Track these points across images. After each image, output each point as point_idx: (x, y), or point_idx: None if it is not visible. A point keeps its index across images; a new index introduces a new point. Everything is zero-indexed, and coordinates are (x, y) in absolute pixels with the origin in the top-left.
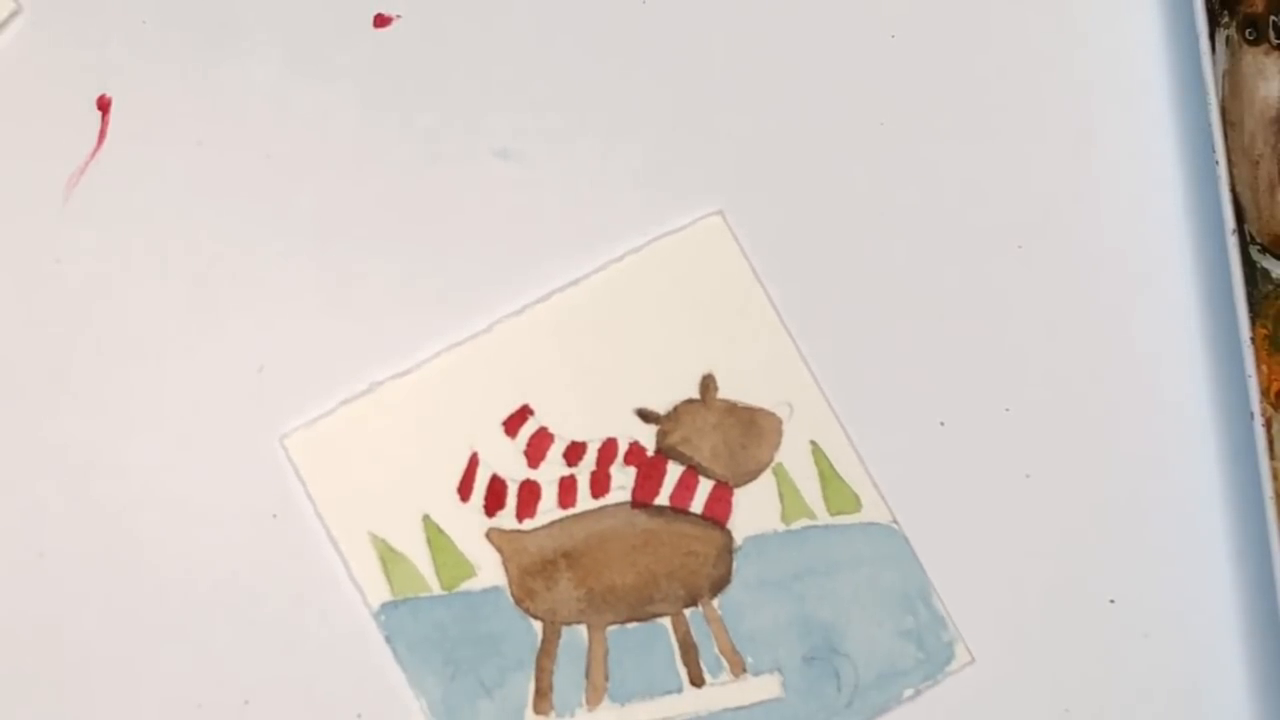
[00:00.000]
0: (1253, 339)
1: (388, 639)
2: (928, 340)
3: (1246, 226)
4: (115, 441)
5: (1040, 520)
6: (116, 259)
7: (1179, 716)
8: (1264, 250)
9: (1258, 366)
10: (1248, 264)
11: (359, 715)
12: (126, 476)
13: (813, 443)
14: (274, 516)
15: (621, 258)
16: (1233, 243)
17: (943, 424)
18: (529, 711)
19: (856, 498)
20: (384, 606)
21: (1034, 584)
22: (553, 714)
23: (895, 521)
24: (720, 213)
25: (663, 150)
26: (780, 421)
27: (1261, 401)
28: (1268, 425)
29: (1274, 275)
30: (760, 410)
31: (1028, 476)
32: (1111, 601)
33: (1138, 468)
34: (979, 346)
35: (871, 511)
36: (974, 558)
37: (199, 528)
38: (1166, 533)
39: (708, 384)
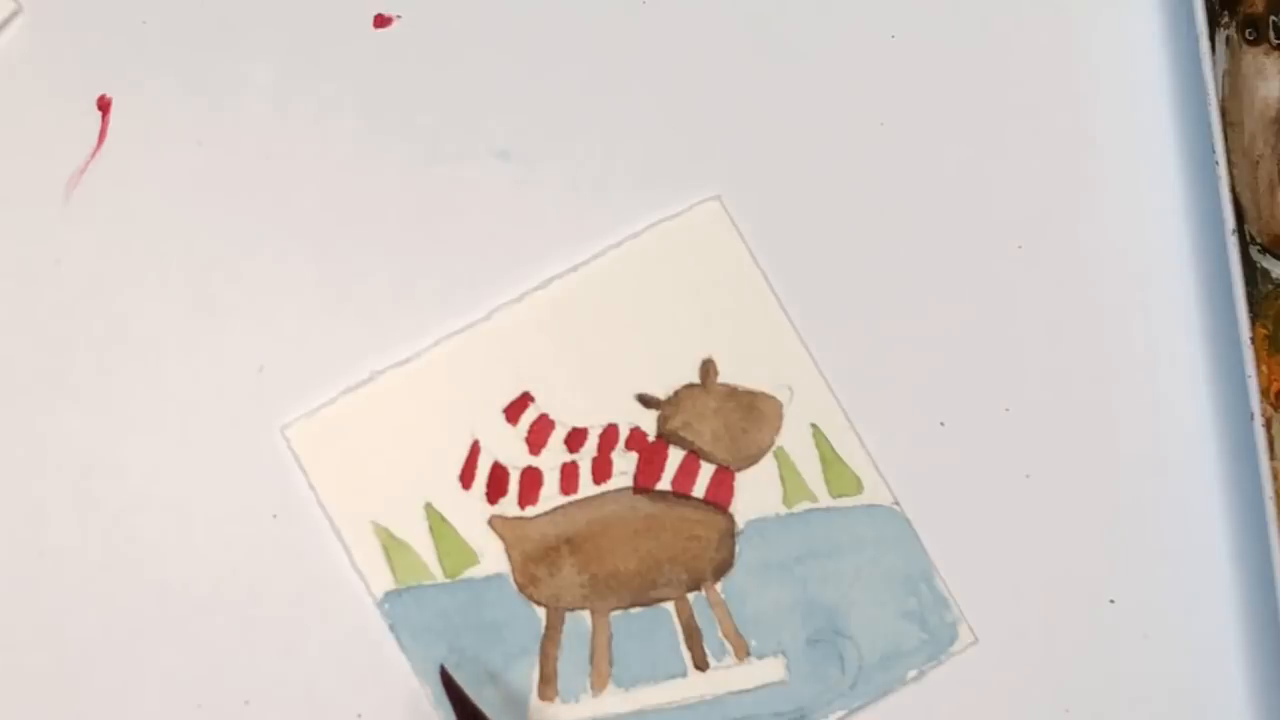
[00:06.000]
0: (1253, 339)
1: (391, 628)
2: (927, 341)
3: (1246, 226)
4: (115, 441)
5: (1040, 520)
6: (116, 259)
7: (1179, 716)
8: (1264, 250)
9: (1258, 366)
10: (1248, 264)
11: (359, 715)
12: (126, 476)
13: (813, 425)
14: (276, 509)
15: (620, 244)
16: (1233, 243)
17: (943, 424)
18: (534, 697)
19: (858, 480)
20: (387, 595)
21: (1033, 585)
22: (558, 700)
23: (897, 503)
24: (718, 198)
25: (661, 136)
26: (780, 405)
27: (1261, 401)
28: (1268, 425)
29: (1274, 275)
30: (760, 394)
31: (1028, 476)
32: (1111, 601)
33: (1138, 468)
34: (979, 346)
35: (873, 493)
36: (974, 556)
37: (199, 526)
38: (1166, 533)
39: (708, 368)
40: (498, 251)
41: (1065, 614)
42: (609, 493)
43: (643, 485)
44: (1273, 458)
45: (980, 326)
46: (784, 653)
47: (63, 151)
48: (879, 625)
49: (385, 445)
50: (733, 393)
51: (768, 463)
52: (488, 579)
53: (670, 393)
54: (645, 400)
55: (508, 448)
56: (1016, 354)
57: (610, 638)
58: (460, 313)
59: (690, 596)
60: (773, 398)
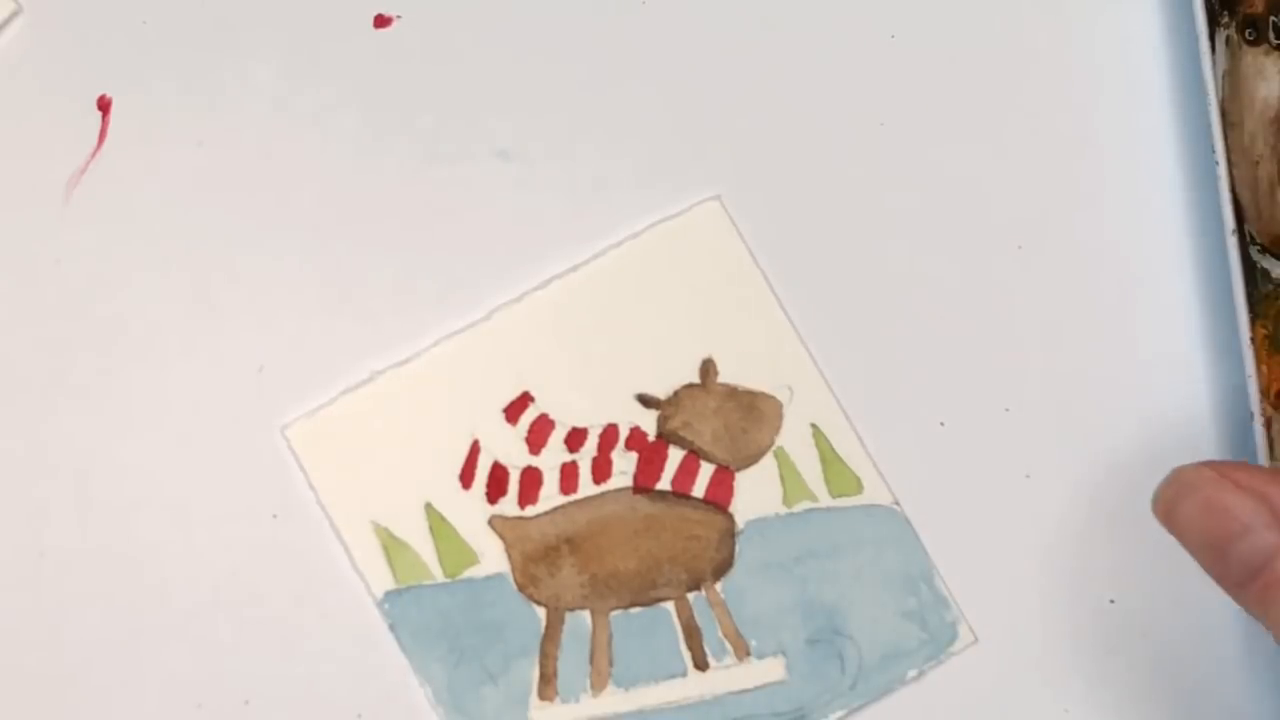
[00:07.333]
0: (1253, 339)
1: (392, 627)
2: (927, 341)
3: (1246, 226)
4: (115, 441)
5: (1040, 520)
6: (116, 259)
7: (1179, 716)
8: (1264, 250)
9: (1258, 366)
10: (1248, 264)
11: (359, 715)
12: (126, 476)
13: (813, 425)
14: (276, 509)
15: (620, 243)
16: (1233, 243)
17: (943, 424)
18: (534, 697)
19: (857, 479)
20: (388, 595)
21: (1033, 585)
22: (558, 700)
23: (897, 503)
24: (718, 198)
25: (661, 136)
26: (780, 405)
27: (1261, 401)
28: (1268, 425)
29: (1274, 275)
30: (760, 394)
31: (1028, 477)
32: (1111, 601)
33: (1138, 468)
34: (979, 346)
35: (873, 493)
36: (974, 556)
37: (199, 527)
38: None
39: (708, 368)
40: (498, 251)
41: (1065, 614)
42: (609, 493)
43: (643, 485)
44: (1273, 458)
45: (980, 326)
46: (784, 652)
47: (63, 151)
48: (879, 625)
49: (385, 445)
50: (733, 393)
51: (768, 463)
52: (488, 579)
53: (670, 393)
54: (645, 400)
55: (508, 448)
56: (1016, 354)
57: (610, 637)
58: (460, 313)
59: (690, 596)
60: (773, 398)
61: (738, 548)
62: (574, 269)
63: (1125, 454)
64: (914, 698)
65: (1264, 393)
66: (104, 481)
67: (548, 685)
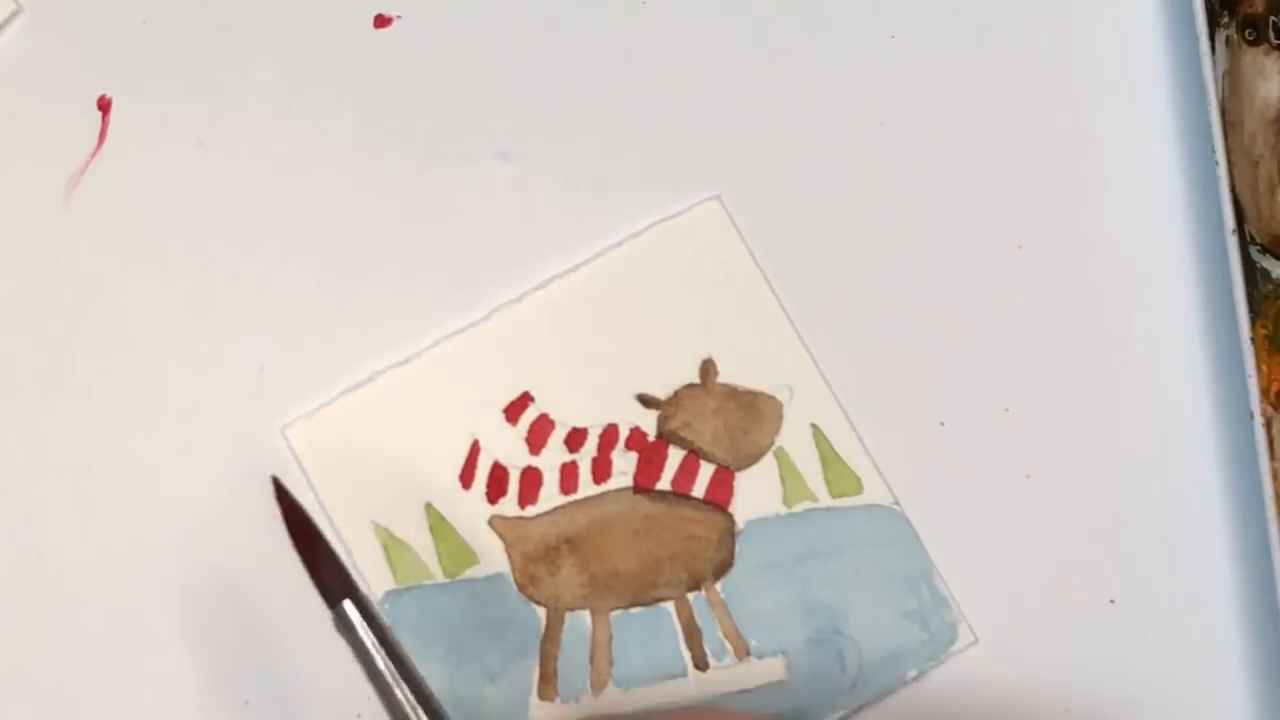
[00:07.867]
0: (1253, 339)
1: (391, 627)
2: (927, 341)
3: (1246, 226)
4: (115, 441)
5: (1040, 520)
6: (116, 259)
7: (1179, 716)
8: (1264, 250)
9: (1258, 366)
10: (1248, 264)
11: (359, 715)
12: (126, 476)
13: (813, 425)
14: (276, 509)
15: (620, 243)
16: (1233, 243)
17: (943, 424)
18: (534, 697)
19: (858, 480)
20: (388, 595)
21: (1033, 586)
22: (558, 699)
23: (897, 503)
24: (718, 198)
25: (661, 136)
26: (780, 405)
27: (1261, 401)
28: (1268, 425)
29: (1274, 275)
30: (760, 394)
31: (1028, 477)
32: (1111, 601)
33: (1138, 468)
34: (979, 346)
35: (873, 493)
36: (974, 556)
37: (199, 526)
38: (1166, 533)
39: (708, 368)
40: (498, 251)
41: (1065, 614)
42: (609, 492)
43: (643, 485)
44: (1273, 458)
45: (980, 326)
46: (784, 652)
47: (63, 151)
48: (879, 625)
49: (385, 445)
50: (733, 393)
51: (768, 463)
52: (488, 579)
53: (670, 393)
54: (645, 400)
55: (508, 448)
56: (1016, 354)
57: (610, 637)
58: (460, 313)
59: (690, 596)
60: (773, 398)
61: (738, 548)
62: (574, 269)
63: (1125, 454)
64: (914, 698)
65: (1264, 393)
66: (104, 481)
67: (548, 685)
